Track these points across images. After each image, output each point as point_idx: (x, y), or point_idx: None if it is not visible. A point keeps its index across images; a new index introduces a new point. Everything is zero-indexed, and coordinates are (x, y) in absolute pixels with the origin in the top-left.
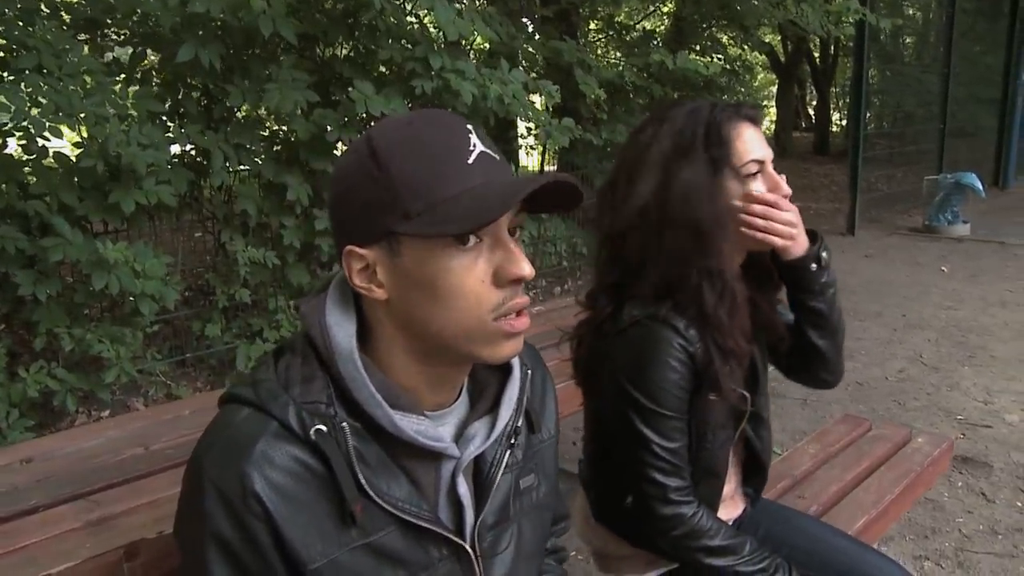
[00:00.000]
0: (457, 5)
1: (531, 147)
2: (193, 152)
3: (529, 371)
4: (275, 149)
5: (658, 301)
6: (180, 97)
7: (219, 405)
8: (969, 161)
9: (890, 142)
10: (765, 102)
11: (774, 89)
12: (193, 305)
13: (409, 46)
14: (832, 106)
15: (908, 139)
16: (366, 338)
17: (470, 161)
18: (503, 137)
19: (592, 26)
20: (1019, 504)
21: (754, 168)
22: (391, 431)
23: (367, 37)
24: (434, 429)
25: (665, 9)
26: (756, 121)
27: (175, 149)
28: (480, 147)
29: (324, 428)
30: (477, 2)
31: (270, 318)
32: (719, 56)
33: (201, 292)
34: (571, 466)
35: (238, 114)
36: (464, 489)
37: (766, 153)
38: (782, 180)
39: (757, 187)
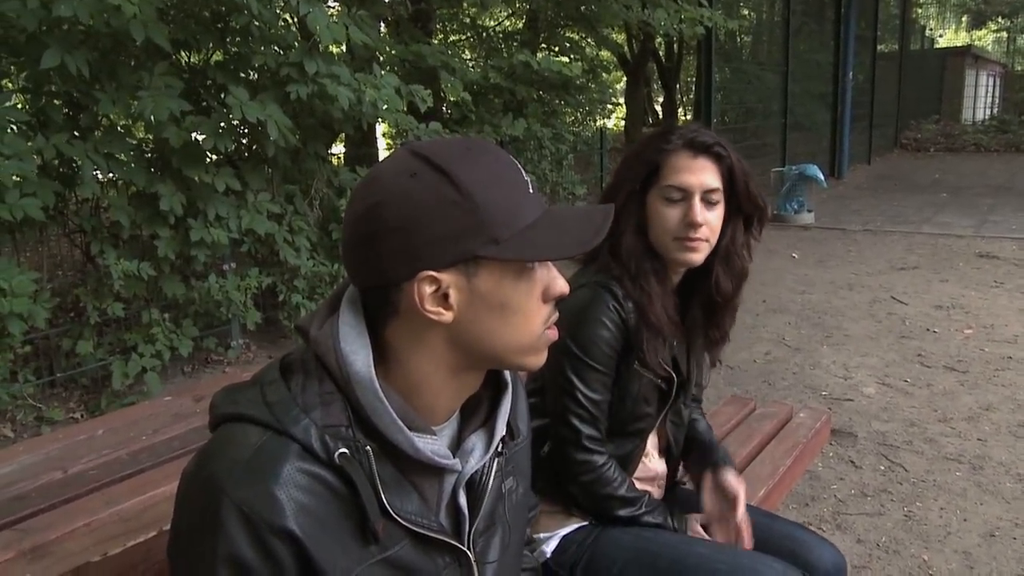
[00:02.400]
0: (329, 7)
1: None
2: (57, 162)
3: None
4: (146, 157)
5: (596, 273)
6: (43, 105)
7: (218, 422)
8: (807, 153)
9: (735, 136)
10: (614, 99)
11: (623, 86)
12: (59, 323)
13: (279, 51)
14: (677, 102)
15: (750, 133)
16: (384, 360)
17: (531, 191)
18: (366, 142)
19: (451, 27)
20: (882, 468)
21: (673, 194)
22: (410, 453)
23: (240, 42)
24: (444, 448)
25: (521, 7)
26: (702, 150)
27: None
28: (528, 179)
29: (347, 451)
30: (351, 8)
31: (145, 332)
32: (576, 56)
33: (62, 308)
34: None
35: (104, 122)
36: (463, 500)
37: (695, 183)
38: (696, 214)
39: (673, 212)
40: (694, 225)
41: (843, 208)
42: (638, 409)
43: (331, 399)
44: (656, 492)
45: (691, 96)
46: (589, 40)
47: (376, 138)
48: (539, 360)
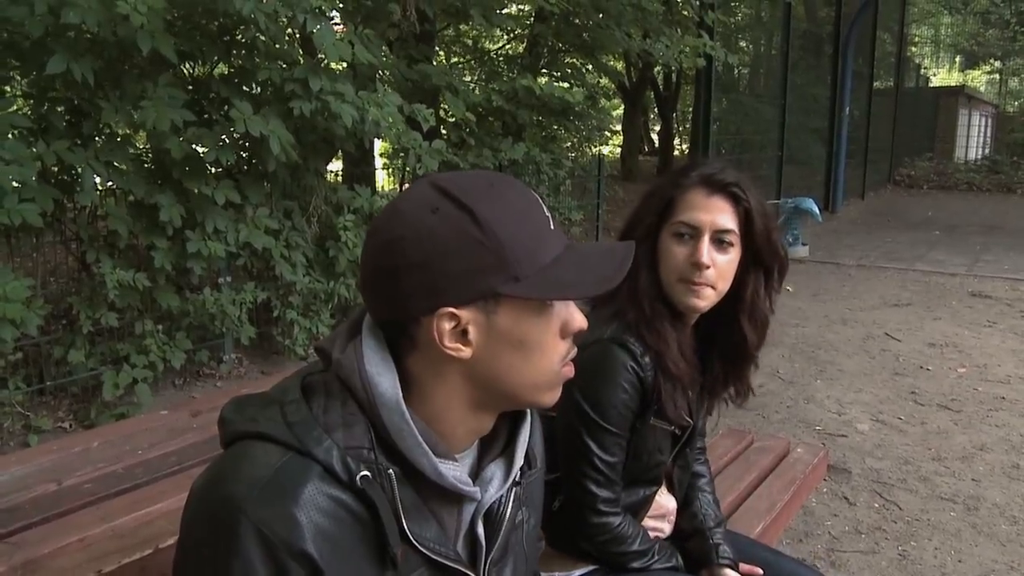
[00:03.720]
0: (335, 27)
1: (391, 169)
2: (56, 169)
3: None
4: (146, 167)
5: (610, 319)
6: (45, 111)
7: (232, 438)
8: (802, 187)
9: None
10: (612, 127)
11: (620, 113)
12: (50, 330)
13: (284, 66)
14: (674, 132)
15: (746, 165)
16: (406, 388)
17: (552, 227)
18: (365, 160)
19: (453, 49)
20: (876, 505)
21: (682, 229)
22: (433, 478)
23: (245, 56)
24: (465, 475)
25: (523, 32)
26: (718, 189)
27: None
28: (549, 214)
29: (369, 474)
30: (356, 27)
31: (137, 343)
32: (577, 82)
33: (55, 316)
34: None
35: (106, 131)
36: (481, 529)
37: (705, 221)
38: (702, 254)
39: (680, 251)
40: (699, 266)
41: (837, 242)
42: (653, 460)
43: (354, 421)
44: (667, 528)
45: (688, 126)
46: (589, 67)
47: (375, 156)
48: (554, 396)
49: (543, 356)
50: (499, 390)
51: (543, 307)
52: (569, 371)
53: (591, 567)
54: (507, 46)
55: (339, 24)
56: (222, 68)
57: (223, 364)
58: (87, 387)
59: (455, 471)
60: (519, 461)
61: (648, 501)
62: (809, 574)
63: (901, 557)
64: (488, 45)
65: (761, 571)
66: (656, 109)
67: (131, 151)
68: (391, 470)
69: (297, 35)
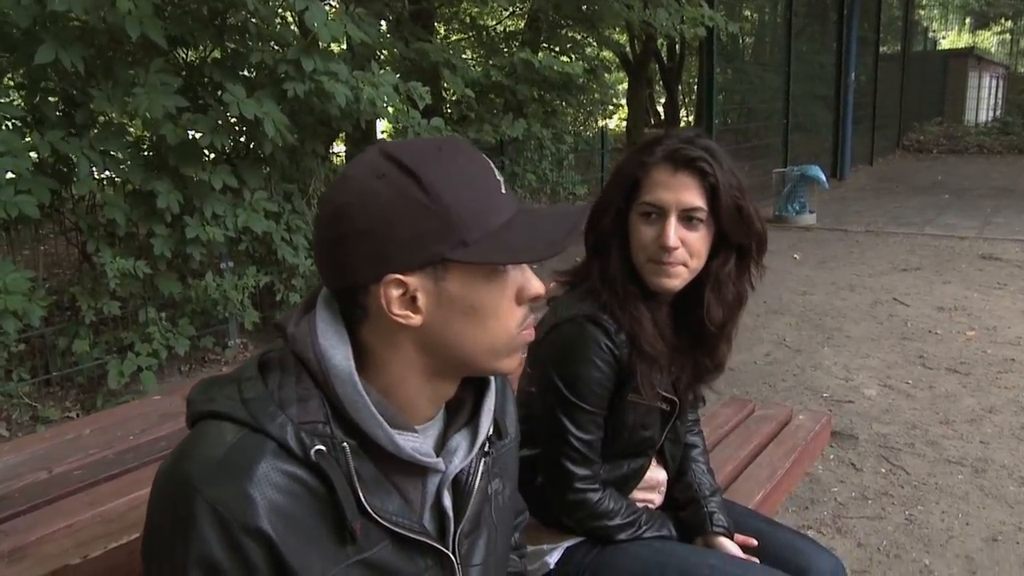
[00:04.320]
0: (330, 6)
1: None
2: (52, 160)
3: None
4: (142, 154)
5: (585, 297)
6: (37, 101)
7: (194, 419)
8: (809, 154)
9: (736, 137)
10: (615, 100)
11: (625, 87)
12: (54, 321)
13: (277, 48)
14: (679, 103)
15: (753, 134)
16: (360, 360)
17: (503, 191)
18: (367, 140)
19: (452, 26)
20: (883, 471)
21: (648, 210)
22: (390, 450)
23: (237, 39)
24: (426, 446)
25: (522, 8)
26: (684, 164)
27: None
28: (501, 178)
29: (324, 448)
30: (349, 6)
31: (141, 331)
32: (578, 56)
33: (59, 307)
34: None
35: (101, 119)
36: (448, 501)
37: (670, 200)
38: (668, 236)
39: (648, 232)
40: (665, 247)
41: (845, 209)
42: (636, 436)
43: (308, 395)
44: (658, 499)
45: (693, 97)
46: (591, 40)
47: (377, 136)
48: (513, 363)
49: (497, 322)
50: (454, 357)
51: (495, 272)
52: (529, 335)
53: (579, 539)
54: (507, 22)
55: (334, 5)
56: (215, 52)
57: (228, 349)
58: (92, 376)
59: (413, 442)
60: (485, 430)
61: (637, 474)
62: (805, 544)
63: (908, 521)
64: (488, 21)
65: (755, 542)
66: (661, 81)
67: (127, 139)
68: (345, 443)
69: (293, 17)
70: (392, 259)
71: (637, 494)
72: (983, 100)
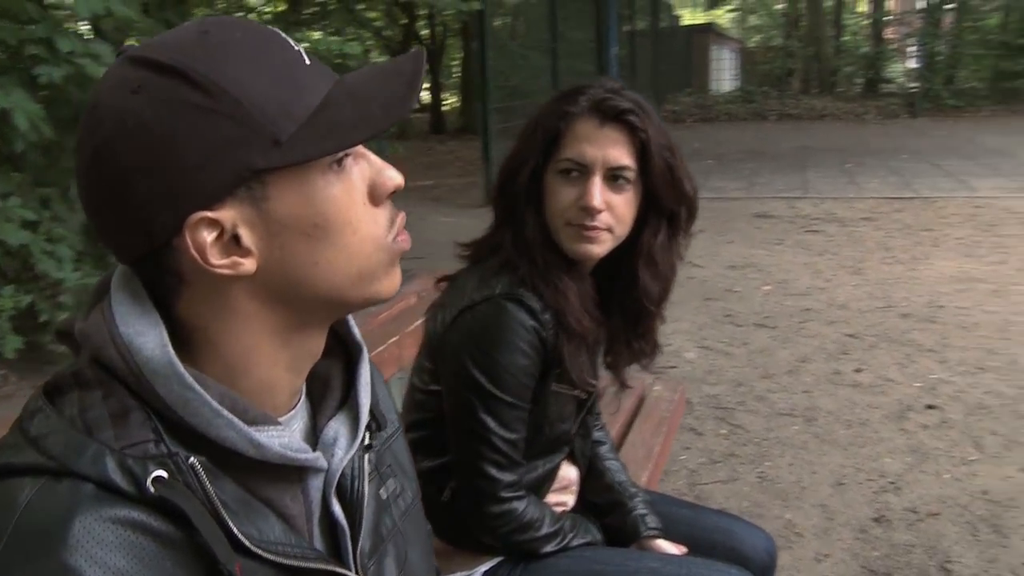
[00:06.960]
0: None
1: None
2: None
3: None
4: None
5: (498, 272)
6: None
7: None
8: None
9: (506, 117)
10: None
11: None
12: None
13: (21, 26)
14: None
15: (519, 113)
16: (186, 345)
17: (307, 61)
18: None
19: (216, 9)
20: (723, 432)
21: (569, 167)
22: (251, 454)
23: None
24: (297, 440)
25: None
26: (611, 117)
27: None
28: (301, 48)
29: (164, 473)
30: None
31: None
32: (351, 35)
33: None
34: None
35: None
36: (338, 509)
37: (595, 156)
38: (593, 197)
39: (568, 192)
40: (589, 210)
41: None
42: (555, 431)
43: (126, 409)
44: (571, 500)
45: (453, 79)
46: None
47: None
48: (394, 283)
49: (356, 234)
50: (312, 298)
51: (329, 170)
52: (404, 240)
53: (496, 559)
54: (267, 6)
55: None
56: None
57: None
58: None
59: (280, 437)
60: (366, 410)
61: (551, 475)
62: (733, 523)
63: (760, 479)
64: (251, 1)
65: (686, 548)
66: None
67: None
68: (193, 460)
69: None
70: (187, 193)
71: (550, 497)
72: (724, 71)
